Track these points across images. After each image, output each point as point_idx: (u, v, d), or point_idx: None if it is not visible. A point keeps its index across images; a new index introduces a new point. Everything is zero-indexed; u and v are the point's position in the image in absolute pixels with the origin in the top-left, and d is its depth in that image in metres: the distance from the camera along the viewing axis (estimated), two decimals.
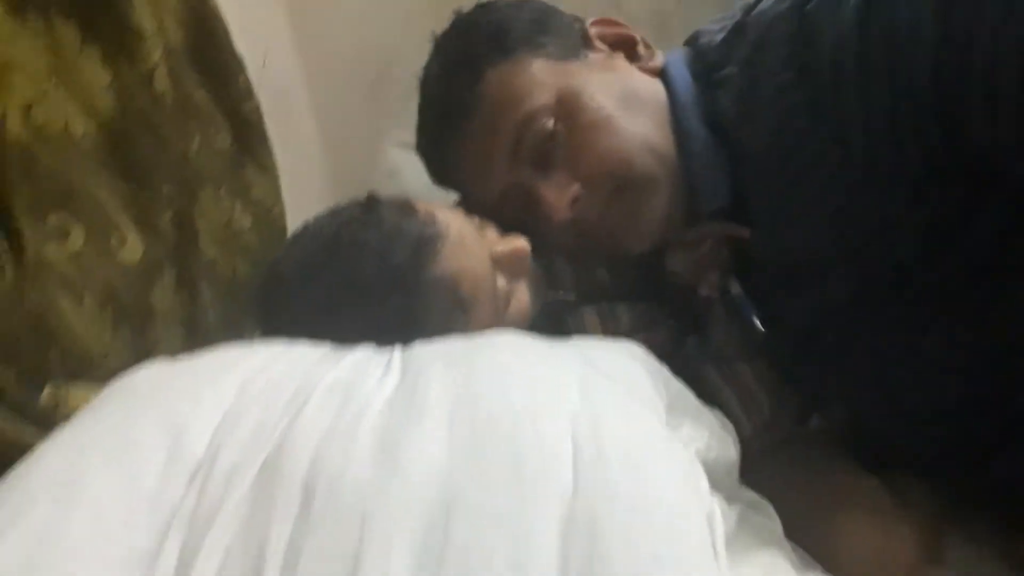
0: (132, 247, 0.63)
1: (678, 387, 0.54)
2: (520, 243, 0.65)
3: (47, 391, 0.50)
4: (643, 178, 0.65)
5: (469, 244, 0.61)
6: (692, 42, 0.71)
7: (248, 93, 0.84)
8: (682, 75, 0.67)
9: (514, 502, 0.34)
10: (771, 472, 0.63)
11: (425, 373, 0.42)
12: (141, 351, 0.64)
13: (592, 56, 0.69)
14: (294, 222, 1.00)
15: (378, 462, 0.35)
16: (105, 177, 0.62)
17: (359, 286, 0.58)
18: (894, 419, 0.63)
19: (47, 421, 0.48)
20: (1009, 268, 0.52)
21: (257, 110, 0.85)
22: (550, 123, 0.65)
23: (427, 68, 0.75)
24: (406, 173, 1.17)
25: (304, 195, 1.17)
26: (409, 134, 1.25)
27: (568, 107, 0.65)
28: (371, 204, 0.64)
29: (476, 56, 0.68)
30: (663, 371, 0.54)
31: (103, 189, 0.62)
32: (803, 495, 0.60)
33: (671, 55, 0.71)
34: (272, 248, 0.86)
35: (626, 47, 0.70)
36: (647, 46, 0.71)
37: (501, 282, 0.63)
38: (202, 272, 0.74)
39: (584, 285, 0.73)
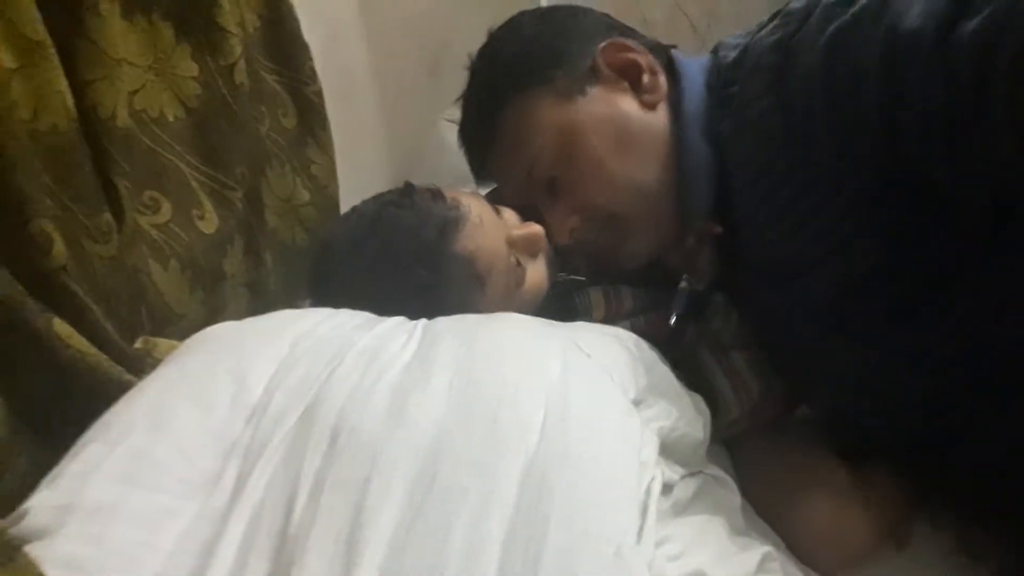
0: (209, 219, 0.74)
1: (663, 371, 0.62)
2: (535, 228, 0.74)
3: (139, 342, 0.62)
4: (627, 215, 0.73)
5: (488, 227, 0.71)
6: (715, 52, 0.78)
7: (313, 77, 0.94)
8: (696, 88, 0.73)
9: (488, 453, 0.43)
10: (746, 452, 0.71)
11: (438, 343, 0.52)
12: (212, 310, 0.75)
13: (595, 91, 0.74)
14: (351, 193, 1.10)
15: (390, 414, 0.45)
16: (190, 158, 0.73)
17: (393, 259, 0.68)
18: (865, 410, 0.69)
19: (140, 366, 0.59)
20: (968, 278, 0.57)
21: (319, 93, 0.95)
22: (551, 164, 0.74)
23: (466, 87, 0.84)
24: (454, 147, 1.26)
25: (362, 167, 1.28)
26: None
27: (567, 149, 0.73)
28: (407, 190, 0.73)
29: (496, 88, 0.77)
30: (651, 355, 0.62)
31: (188, 168, 0.73)
32: (770, 474, 0.68)
33: (692, 65, 0.77)
34: (326, 222, 0.97)
35: (632, 75, 0.75)
36: (653, 72, 0.75)
37: (516, 261, 0.72)
38: (265, 242, 0.85)
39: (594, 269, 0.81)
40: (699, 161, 0.70)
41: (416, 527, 0.40)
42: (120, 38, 0.67)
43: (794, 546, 0.64)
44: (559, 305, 0.74)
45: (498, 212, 0.74)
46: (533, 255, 0.74)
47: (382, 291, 0.67)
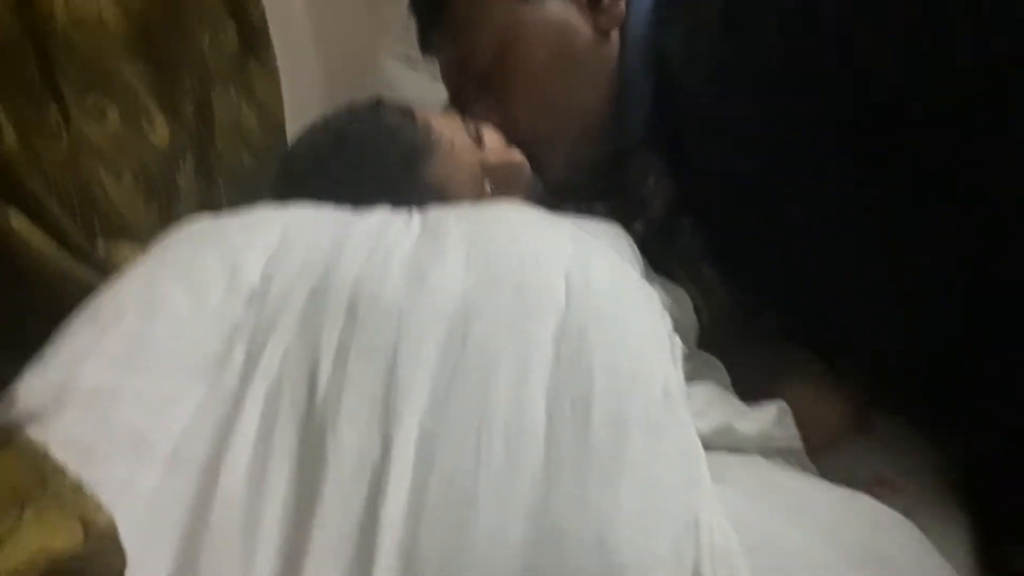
0: (160, 130, 0.69)
1: (646, 264, 0.62)
2: (516, 157, 0.69)
3: (99, 244, 0.57)
4: (544, 140, 0.71)
5: (459, 154, 0.66)
6: None
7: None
8: (643, 8, 0.71)
9: (519, 313, 0.42)
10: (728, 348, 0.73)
11: (444, 224, 0.50)
12: (169, 226, 0.70)
13: (551, 2, 0.71)
14: (292, 129, 1.05)
15: (409, 283, 0.43)
16: (135, 64, 0.68)
17: (357, 182, 0.63)
18: (830, 332, 0.70)
19: (106, 269, 0.55)
20: (937, 202, 0.58)
21: (263, 16, 0.90)
22: (488, 63, 0.71)
23: None
24: (404, 87, 1.22)
25: (302, 105, 1.22)
26: (406, 47, 1.30)
27: (507, 53, 0.70)
28: (376, 107, 0.69)
29: None
30: (635, 250, 0.63)
31: (134, 75, 0.67)
32: (753, 365, 0.70)
33: None
34: (274, 146, 0.92)
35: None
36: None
37: (490, 190, 0.68)
38: (216, 162, 0.80)
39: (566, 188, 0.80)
40: (639, 92, 0.68)
41: (455, 386, 0.39)
42: None
43: None
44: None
45: (479, 135, 0.70)
46: (510, 185, 0.69)
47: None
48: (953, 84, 0.53)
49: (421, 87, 1.28)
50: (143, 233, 0.66)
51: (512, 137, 0.71)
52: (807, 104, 0.58)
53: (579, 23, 0.71)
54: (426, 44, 0.80)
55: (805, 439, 0.64)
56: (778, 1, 0.59)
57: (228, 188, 0.84)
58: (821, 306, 0.68)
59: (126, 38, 0.67)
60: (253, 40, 0.90)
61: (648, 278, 0.58)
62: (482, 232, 0.48)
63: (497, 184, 0.69)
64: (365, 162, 0.65)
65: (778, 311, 0.78)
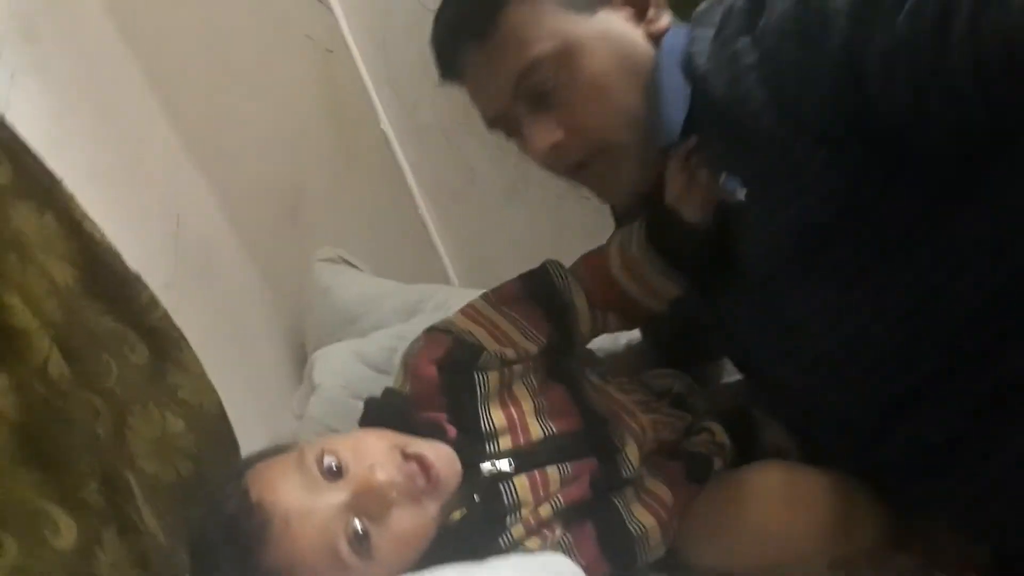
0: (66, 531, 0.68)
1: None
2: (374, 478, 0.64)
3: None
4: (622, 144, 0.72)
5: (297, 525, 0.62)
6: None
7: (153, 304, 0.89)
8: (682, 28, 0.74)
9: None
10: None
11: None
12: None
13: (602, 14, 0.73)
14: (246, 362, 1.05)
15: None
16: (25, 473, 0.68)
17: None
18: (822, 373, 0.71)
19: None
20: (929, 232, 0.61)
21: (166, 317, 0.90)
22: (550, 74, 0.70)
23: None
24: (336, 288, 1.23)
25: (249, 330, 1.23)
26: (334, 250, 1.30)
27: (569, 62, 0.70)
28: (220, 497, 0.67)
29: None
30: None
31: (26, 486, 0.67)
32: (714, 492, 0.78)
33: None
34: (209, 442, 0.92)
35: (640, 4, 0.74)
36: (659, 5, 0.75)
37: (360, 530, 0.63)
38: (142, 500, 0.80)
39: (521, 453, 0.76)
40: (675, 95, 0.69)
41: None
42: None
43: (747, 524, 0.74)
44: (487, 508, 0.71)
45: (333, 468, 0.65)
46: (380, 510, 0.65)
47: None
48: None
49: (359, 281, 1.29)
50: None
51: (577, 146, 0.72)
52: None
53: (631, 32, 0.74)
54: (452, 68, 0.77)
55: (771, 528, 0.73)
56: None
57: (165, 507, 0.84)
58: (822, 344, 0.69)
59: (11, 451, 0.67)
60: (162, 343, 0.90)
61: None
62: None
63: (369, 513, 0.64)
64: (218, 564, 0.64)
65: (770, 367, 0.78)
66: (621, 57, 0.72)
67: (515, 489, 0.73)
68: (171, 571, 0.77)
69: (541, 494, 0.74)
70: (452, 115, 1.25)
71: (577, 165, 0.74)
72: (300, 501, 0.63)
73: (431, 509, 0.68)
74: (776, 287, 0.70)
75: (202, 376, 0.93)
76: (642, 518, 0.77)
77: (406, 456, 0.68)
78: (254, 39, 1.15)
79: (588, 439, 0.78)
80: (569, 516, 0.75)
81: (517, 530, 0.73)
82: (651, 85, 0.71)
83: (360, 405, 0.82)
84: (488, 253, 1.37)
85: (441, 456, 0.70)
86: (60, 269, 0.81)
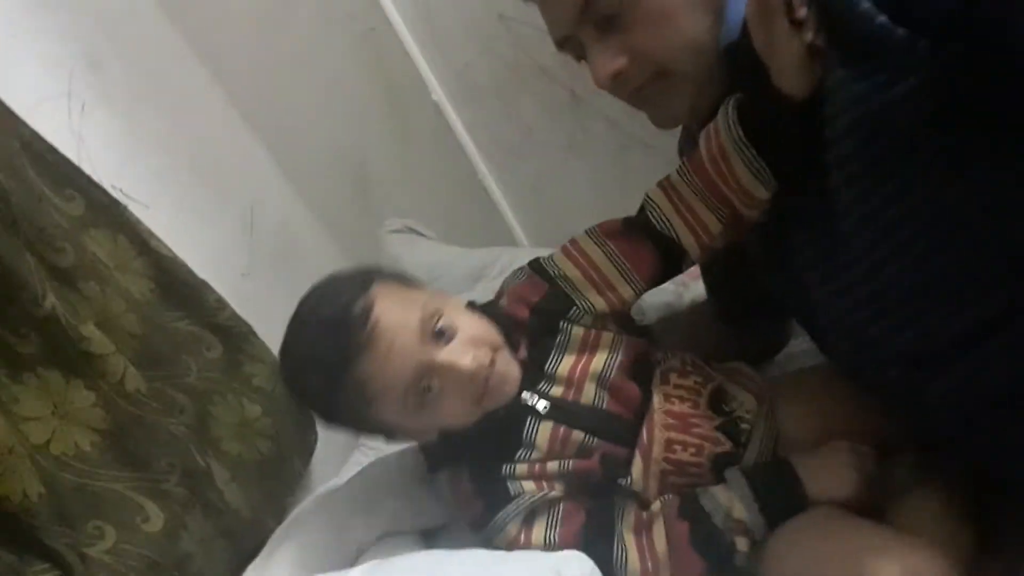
0: (154, 518, 0.81)
1: None
2: (461, 364, 0.72)
3: None
4: (682, 72, 0.71)
5: (395, 354, 0.71)
6: None
7: (221, 305, 0.99)
8: None
9: None
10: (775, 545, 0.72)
11: None
12: None
13: None
14: None
15: None
16: (117, 472, 0.80)
17: (310, 371, 0.74)
18: (892, 301, 0.67)
19: None
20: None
21: (233, 316, 1.00)
22: (614, 3, 0.70)
23: None
24: (405, 258, 1.28)
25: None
26: (401, 220, 1.35)
27: None
28: (332, 297, 0.75)
29: None
30: None
31: (118, 482, 0.80)
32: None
33: None
34: (285, 423, 1.03)
35: None
36: None
37: (427, 387, 0.72)
38: (227, 480, 0.92)
39: (563, 406, 0.79)
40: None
41: None
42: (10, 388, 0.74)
43: None
44: (507, 428, 0.76)
45: (440, 331, 0.73)
46: (450, 384, 0.73)
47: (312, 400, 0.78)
48: None
49: (427, 249, 1.34)
50: None
51: (641, 71, 0.72)
52: None
53: None
54: None
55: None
56: None
57: (250, 484, 0.96)
58: (892, 267, 0.65)
59: (103, 454, 0.79)
60: (234, 338, 1.01)
61: None
62: None
63: (441, 382, 0.73)
64: (311, 354, 0.73)
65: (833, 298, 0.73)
66: None
67: (537, 430, 0.76)
68: (255, 539, 0.88)
69: (556, 449, 0.77)
70: (503, 75, 1.24)
71: (637, 90, 0.73)
72: (402, 339, 0.72)
73: (474, 406, 0.75)
74: (848, 197, 0.66)
75: (273, 363, 1.03)
76: (629, 550, 0.74)
77: (491, 360, 0.74)
78: (303, 28, 1.19)
79: (627, 429, 0.79)
80: (570, 486, 0.78)
81: (521, 468, 0.76)
82: (719, 6, 0.69)
83: None
84: (553, 209, 1.37)
85: (510, 378, 0.76)
86: (137, 284, 0.92)
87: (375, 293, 0.73)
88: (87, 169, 0.92)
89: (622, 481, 0.77)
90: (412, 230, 1.31)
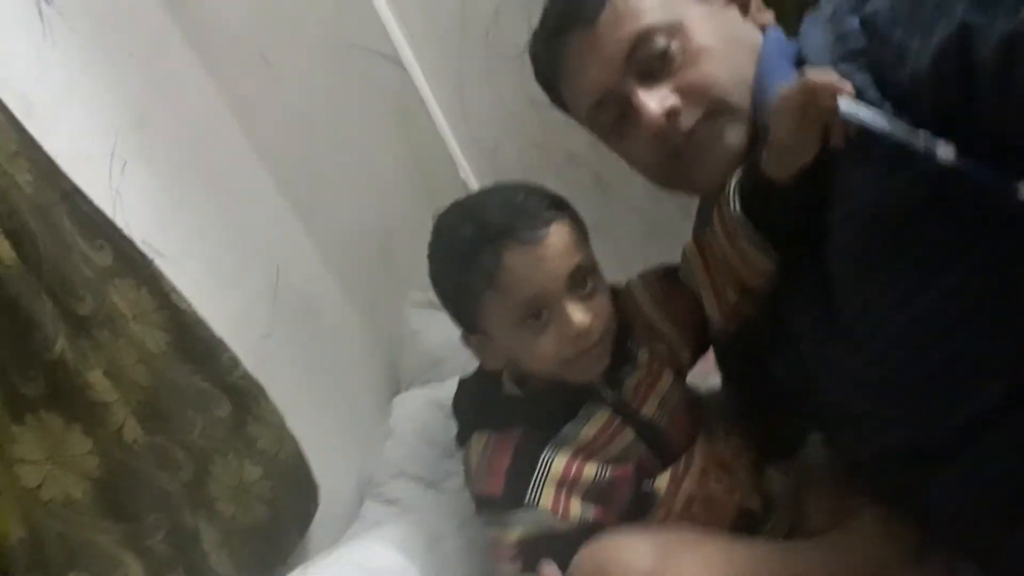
0: (133, 574, 0.80)
1: None
2: (577, 320, 0.77)
3: None
4: (735, 107, 0.72)
5: (548, 264, 0.77)
6: None
7: (234, 364, 0.99)
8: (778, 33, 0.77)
9: None
10: None
11: None
12: None
13: (707, 4, 0.76)
14: (345, 399, 1.15)
15: None
16: (103, 522, 0.79)
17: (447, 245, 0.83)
18: (889, 395, 0.67)
19: None
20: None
21: (246, 375, 1.00)
22: (664, 42, 0.72)
23: None
24: (424, 332, 1.29)
25: (347, 368, 1.33)
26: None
27: (683, 32, 0.73)
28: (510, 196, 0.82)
29: None
30: None
31: (103, 534, 0.79)
32: None
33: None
34: (285, 488, 1.02)
35: (741, 1, 0.78)
36: (760, 8, 0.79)
37: (544, 317, 0.77)
38: (218, 543, 0.90)
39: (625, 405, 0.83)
40: (779, 72, 0.70)
41: None
42: (11, 442, 0.73)
43: None
44: (569, 403, 0.81)
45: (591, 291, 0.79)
46: (557, 329, 0.77)
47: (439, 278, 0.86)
48: None
49: (446, 324, 1.34)
50: None
51: (695, 110, 0.73)
52: None
53: (738, 17, 0.78)
54: (558, 68, 0.81)
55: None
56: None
57: (245, 545, 0.95)
58: (890, 363, 0.65)
59: (92, 504, 0.79)
60: (244, 399, 1.00)
61: None
62: None
63: (549, 323, 0.78)
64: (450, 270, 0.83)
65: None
66: (729, 33, 0.74)
67: (595, 413, 0.81)
68: None
69: (603, 440, 0.81)
70: (531, 157, 1.27)
71: (689, 134, 0.73)
72: (553, 265, 0.78)
73: (558, 362, 0.79)
74: (846, 284, 0.66)
75: (280, 426, 1.02)
76: None
77: (598, 340, 0.79)
78: (339, 104, 1.24)
79: (671, 450, 0.83)
80: (599, 493, 0.80)
81: (559, 461, 0.80)
82: (757, 65, 0.72)
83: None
84: None
85: (599, 363, 0.81)
86: (153, 336, 0.93)
87: (560, 226, 0.79)
88: (120, 222, 0.95)
89: (646, 486, 0.80)
90: (435, 304, 1.31)
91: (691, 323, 0.86)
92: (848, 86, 0.60)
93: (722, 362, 0.99)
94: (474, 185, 1.29)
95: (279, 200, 1.25)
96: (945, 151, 0.55)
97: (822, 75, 0.61)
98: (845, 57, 0.63)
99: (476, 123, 1.26)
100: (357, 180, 1.29)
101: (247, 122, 1.22)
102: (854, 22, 0.63)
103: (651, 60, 0.72)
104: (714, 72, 0.72)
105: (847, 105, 0.59)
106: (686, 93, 0.72)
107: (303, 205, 1.27)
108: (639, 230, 1.28)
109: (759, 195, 0.70)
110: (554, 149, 1.26)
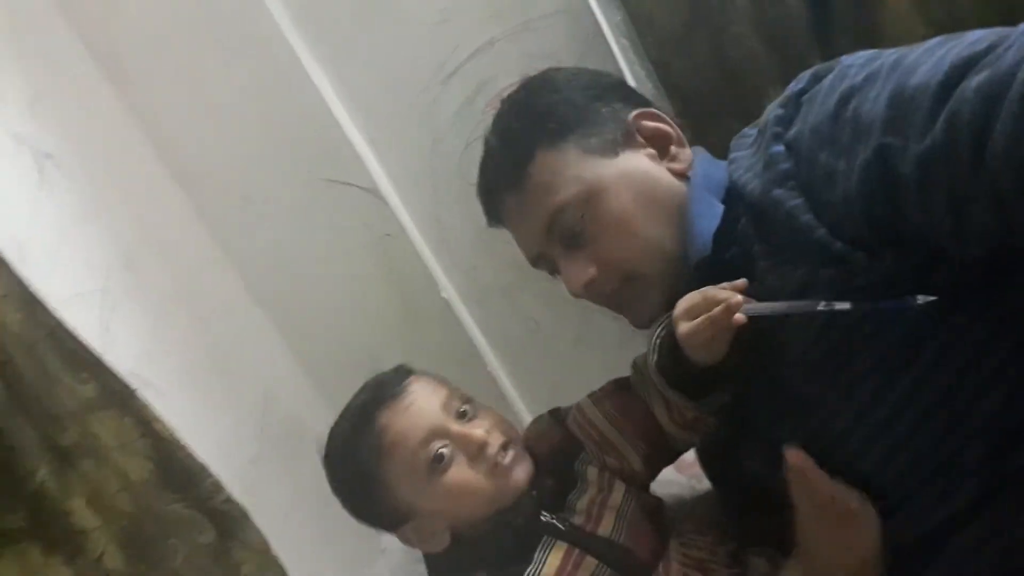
0: None
1: None
2: (476, 432, 0.80)
3: None
4: (649, 274, 0.76)
5: (414, 411, 0.81)
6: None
7: (217, 489, 0.99)
8: (708, 158, 0.80)
9: None
10: None
11: None
12: None
13: (626, 155, 0.78)
14: (329, 523, 1.13)
15: None
16: None
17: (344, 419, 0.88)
18: None
19: None
20: (969, 310, 0.59)
21: (229, 500, 1.00)
22: (578, 216, 0.76)
23: (491, 129, 0.87)
24: None
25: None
26: None
27: (595, 204, 0.76)
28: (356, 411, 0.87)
29: (528, 139, 0.79)
30: None
31: None
32: None
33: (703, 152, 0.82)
34: None
35: (661, 143, 0.80)
36: (680, 144, 0.81)
37: (441, 451, 0.79)
38: None
39: (580, 531, 0.81)
40: (706, 212, 0.72)
41: None
42: None
43: None
44: (521, 545, 0.78)
45: (463, 413, 0.83)
46: (464, 453, 0.80)
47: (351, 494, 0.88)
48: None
49: None
50: None
51: (611, 279, 0.77)
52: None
53: (654, 169, 0.79)
54: (496, 216, 0.87)
55: None
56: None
57: None
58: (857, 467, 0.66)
59: None
60: (228, 523, 1.00)
61: None
62: None
63: (454, 454, 0.80)
64: (347, 408, 0.88)
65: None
66: (644, 192, 0.77)
67: (551, 550, 0.78)
68: None
69: (566, 574, 0.76)
70: (508, 275, 1.31)
71: (610, 295, 0.79)
72: (425, 403, 0.83)
73: (486, 492, 0.80)
74: (817, 386, 0.67)
75: (265, 552, 1.01)
76: None
77: (505, 444, 0.82)
78: (322, 234, 1.31)
79: (641, 568, 0.79)
80: None
81: None
82: (679, 212, 0.75)
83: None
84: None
85: (522, 465, 0.82)
86: (136, 465, 0.94)
87: (416, 379, 0.86)
88: (109, 356, 0.98)
89: None
90: None
91: (643, 432, 0.84)
92: (741, 292, 0.65)
93: (703, 463, 0.99)
94: (457, 304, 1.33)
95: (266, 327, 1.29)
96: (841, 305, 0.60)
97: (719, 292, 0.66)
98: (776, 182, 0.65)
99: (454, 246, 1.31)
100: (342, 305, 1.34)
101: (236, 257, 1.28)
102: (779, 148, 0.66)
103: (568, 233, 0.78)
104: (626, 244, 0.76)
105: (747, 310, 0.64)
106: (601, 265, 0.77)
107: (290, 331, 1.31)
108: (616, 337, 1.31)
109: (677, 362, 0.72)
110: (529, 267, 1.31)
